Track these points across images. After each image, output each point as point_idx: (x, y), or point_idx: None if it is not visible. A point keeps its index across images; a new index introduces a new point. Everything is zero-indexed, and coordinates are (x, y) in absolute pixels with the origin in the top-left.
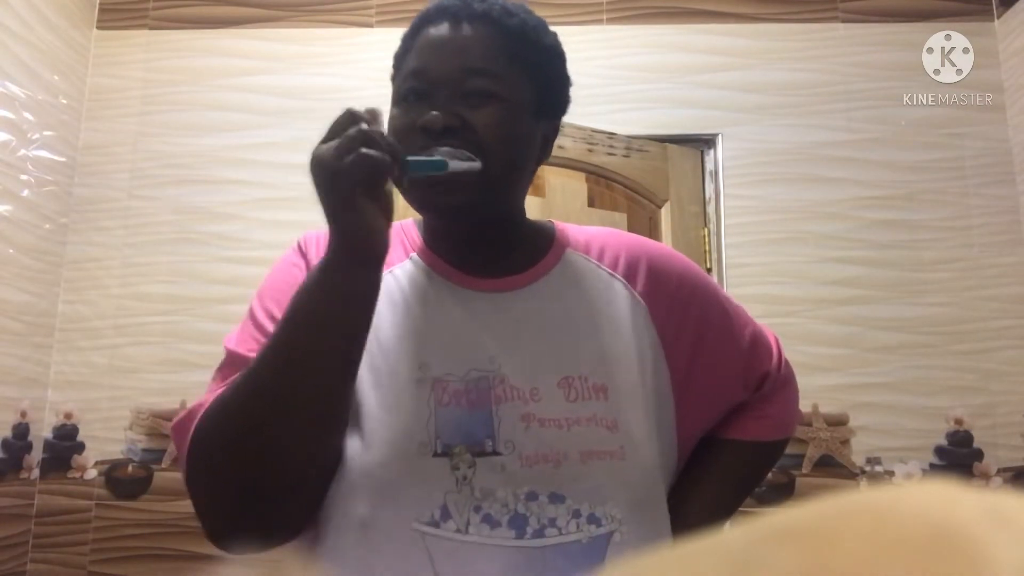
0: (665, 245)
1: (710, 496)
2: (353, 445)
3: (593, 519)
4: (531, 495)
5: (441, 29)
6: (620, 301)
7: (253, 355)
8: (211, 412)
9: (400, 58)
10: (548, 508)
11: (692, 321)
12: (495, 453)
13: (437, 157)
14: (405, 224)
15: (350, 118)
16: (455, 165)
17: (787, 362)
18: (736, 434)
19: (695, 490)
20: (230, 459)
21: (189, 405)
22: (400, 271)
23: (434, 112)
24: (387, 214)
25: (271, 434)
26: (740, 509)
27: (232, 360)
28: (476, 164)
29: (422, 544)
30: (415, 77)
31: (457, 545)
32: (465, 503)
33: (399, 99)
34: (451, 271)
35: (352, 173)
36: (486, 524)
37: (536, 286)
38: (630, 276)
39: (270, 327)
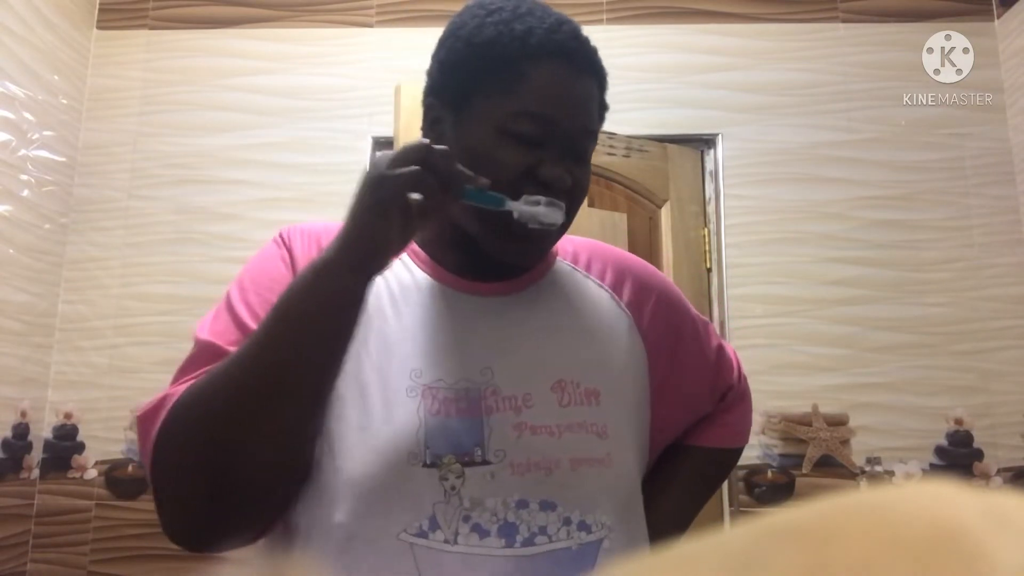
0: (641, 259)
1: (680, 500)
2: (336, 455)
3: (583, 526)
4: (521, 503)
5: (561, 71)
6: (608, 311)
7: (232, 348)
8: (186, 402)
9: (497, 75)
10: (539, 516)
11: (671, 335)
12: (485, 462)
13: (498, 194)
14: None
15: (422, 145)
16: (513, 206)
17: (744, 376)
18: (701, 441)
19: (664, 495)
20: (204, 451)
21: (157, 394)
22: (391, 274)
23: (563, 174)
24: (407, 235)
25: (249, 429)
26: (741, 510)
27: (208, 351)
28: (548, 212)
29: (410, 554)
30: (535, 122)
31: (445, 555)
32: (454, 513)
33: (504, 133)
34: (444, 274)
35: (398, 182)
36: (475, 534)
37: (528, 293)
38: (617, 288)
39: (251, 323)
